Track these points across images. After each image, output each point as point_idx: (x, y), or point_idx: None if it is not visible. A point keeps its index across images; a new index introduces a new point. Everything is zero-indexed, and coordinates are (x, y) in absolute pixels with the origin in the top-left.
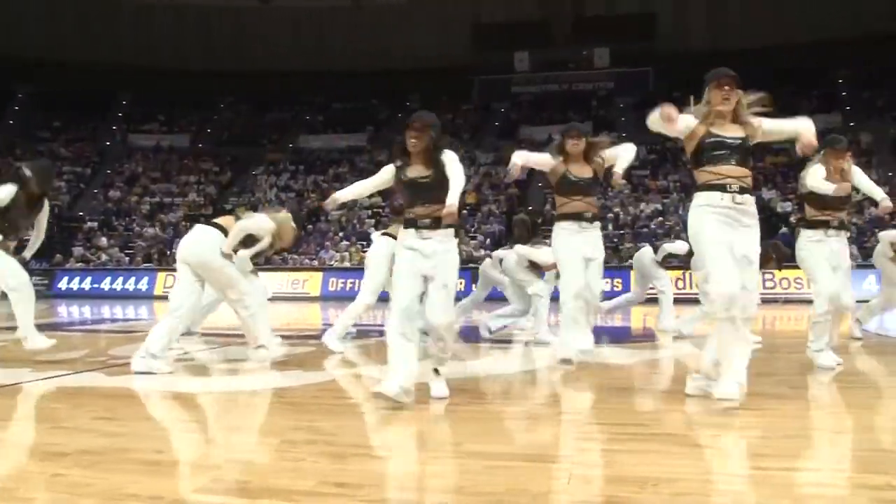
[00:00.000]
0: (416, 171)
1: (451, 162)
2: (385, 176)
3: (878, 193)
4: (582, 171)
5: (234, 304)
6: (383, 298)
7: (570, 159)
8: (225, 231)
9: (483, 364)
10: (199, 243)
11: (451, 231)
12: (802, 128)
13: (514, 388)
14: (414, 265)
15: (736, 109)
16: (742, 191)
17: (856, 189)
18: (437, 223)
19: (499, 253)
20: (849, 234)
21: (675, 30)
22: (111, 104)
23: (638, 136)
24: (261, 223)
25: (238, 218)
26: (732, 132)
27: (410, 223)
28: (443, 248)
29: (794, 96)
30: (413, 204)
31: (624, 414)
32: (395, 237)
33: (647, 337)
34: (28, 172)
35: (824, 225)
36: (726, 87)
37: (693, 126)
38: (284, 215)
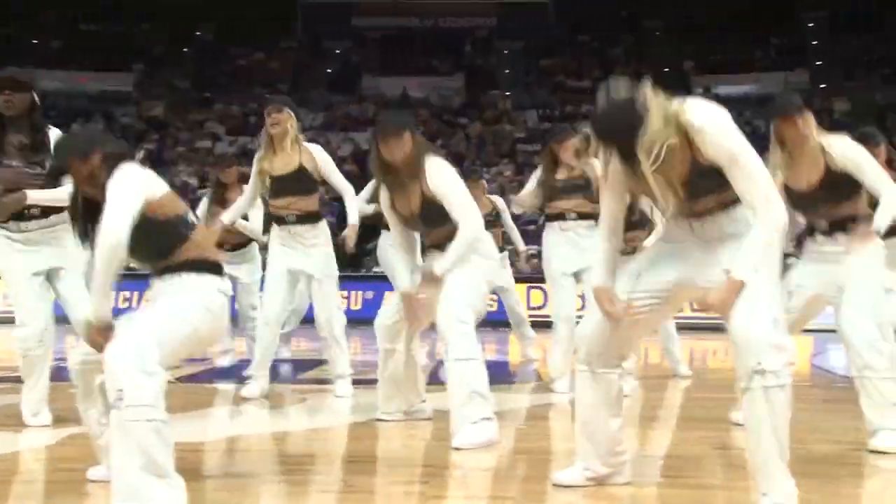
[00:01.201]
0: None
1: None
2: None
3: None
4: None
5: None
6: None
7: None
8: None
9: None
10: None
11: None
12: None
13: (346, 449)
14: None
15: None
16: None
17: None
18: None
19: None
20: None
21: None
22: None
23: (527, 95)
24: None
25: None
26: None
27: None
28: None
29: (748, 45)
30: None
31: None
32: None
33: (530, 376)
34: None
35: None
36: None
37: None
38: None
